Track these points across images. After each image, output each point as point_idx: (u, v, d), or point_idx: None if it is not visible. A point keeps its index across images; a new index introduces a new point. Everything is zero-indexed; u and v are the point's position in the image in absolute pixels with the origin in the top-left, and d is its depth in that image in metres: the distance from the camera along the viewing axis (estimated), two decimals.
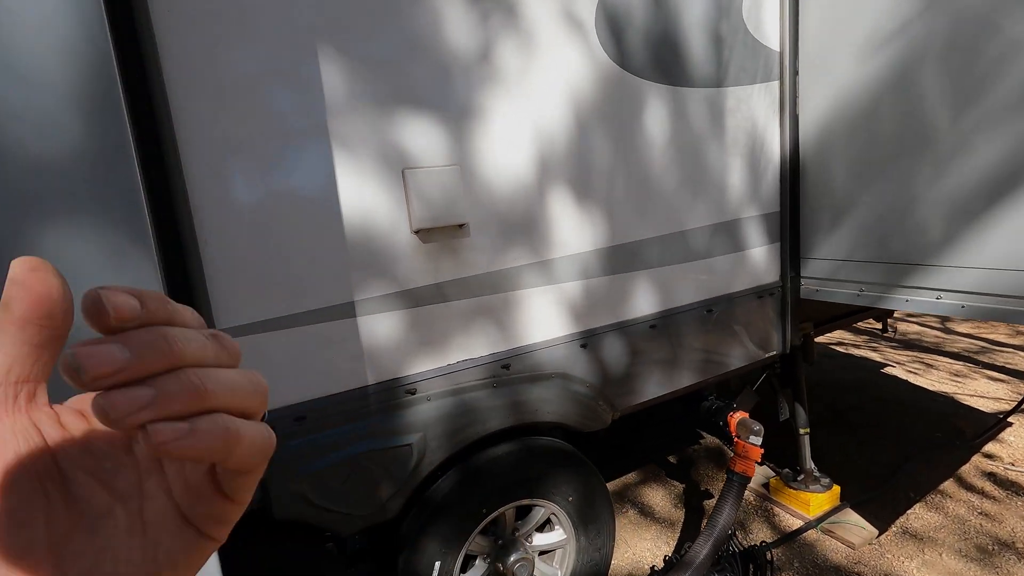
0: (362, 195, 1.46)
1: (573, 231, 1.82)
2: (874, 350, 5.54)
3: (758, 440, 2.29)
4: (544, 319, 1.81)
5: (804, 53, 2.24)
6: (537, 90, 1.69)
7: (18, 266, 0.20)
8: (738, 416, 2.40)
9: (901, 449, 3.29)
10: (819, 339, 6.12)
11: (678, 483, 3.15)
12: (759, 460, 2.29)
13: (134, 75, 1.14)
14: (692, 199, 2.07)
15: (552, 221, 1.77)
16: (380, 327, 1.53)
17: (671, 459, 3.45)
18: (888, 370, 4.85)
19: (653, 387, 2.09)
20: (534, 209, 1.73)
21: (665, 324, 2.06)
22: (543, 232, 1.76)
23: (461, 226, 1.61)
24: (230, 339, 0.24)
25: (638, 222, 1.95)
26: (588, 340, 1.89)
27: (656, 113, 1.93)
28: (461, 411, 1.66)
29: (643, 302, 2.01)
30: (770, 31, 2.20)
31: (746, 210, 2.24)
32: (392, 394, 1.56)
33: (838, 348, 5.67)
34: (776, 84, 2.26)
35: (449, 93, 1.55)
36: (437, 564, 1.71)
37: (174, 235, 1.24)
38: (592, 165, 1.82)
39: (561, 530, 2.01)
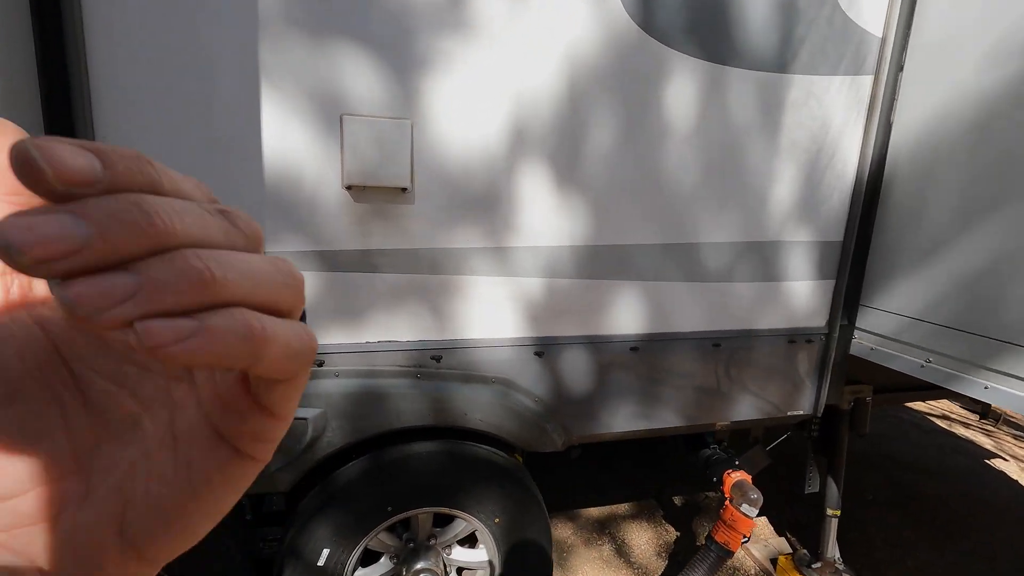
0: (289, 136, 1.31)
1: (544, 219, 1.54)
2: (988, 434, 4.55)
3: (752, 511, 1.88)
4: (492, 315, 1.56)
5: (917, 46, 1.72)
6: (526, 44, 1.42)
7: None
8: (736, 477, 1.99)
9: (975, 568, 2.61)
10: (917, 405, 5.15)
11: (672, 529, 2.77)
12: (747, 535, 1.88)
13: None
14: (717, 207, 1.68)
15: (519, 203, 1.51)
16: None
17: (676, 499, 3.05)
18: (996, 462, 3.94)
19: (624, 420, 1.76)
20: (498, 185, 1.48)
21: (651, 349, 1.72)
22: (505, 214, 1.50)
23: (404, 190, 1.40)
24: (248, 217, 0.18)
25: (635, 223, 1.62)
26: (545, 349, 1.62)
27: (684, 93, 1.57)
28: (372, 397, 1.49)
29: (626, 318, 1.68)
30: (871, 10, 1.70)
31: (793, 232, 1.79)
32: None
33: (939, 421, 4.74)
34: (868, 79, 1.76)
35: (411, 33, 1.33)
36: (325, 552, 1.57)
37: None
38: (584, 144, 1.52)
39: (484, 551, 1.79)
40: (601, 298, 1.65)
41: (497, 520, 1.73)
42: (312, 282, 1.41)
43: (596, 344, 1.67)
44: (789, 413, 1.97)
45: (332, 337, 1.45)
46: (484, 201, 1.48)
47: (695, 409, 1.84)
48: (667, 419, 1.82)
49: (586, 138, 1.52)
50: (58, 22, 1.12)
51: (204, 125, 1.26)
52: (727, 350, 1.80)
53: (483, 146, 1.45)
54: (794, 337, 1.88)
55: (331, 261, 1.41)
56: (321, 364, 1.45)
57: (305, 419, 1.43)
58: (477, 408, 1.58)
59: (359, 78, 1.33)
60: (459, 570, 1.85)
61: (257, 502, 1.83)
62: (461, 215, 1.47)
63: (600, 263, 1.62)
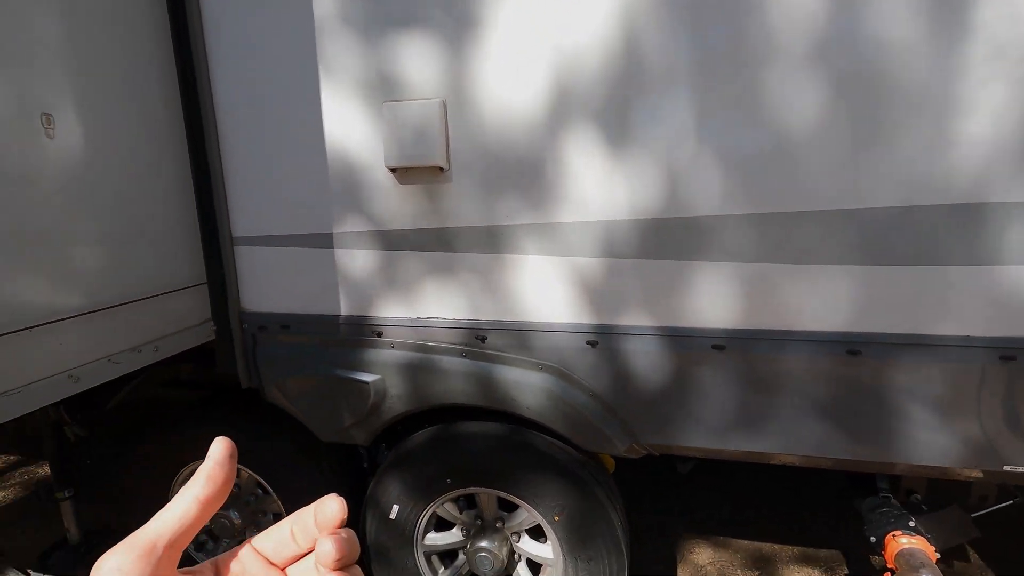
0: (344, 128, 1.46)
1: (596, 190, 1.35)
2: None
3: None
4: (539, 297, 1.45)
5: None
6: None
7: (222, 448, 0.31)
8: (907, 543, 1.41)
9: None
10: None
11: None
12: None
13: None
14: (860, 156, 1.20)
15: (565, 174, 1.36)
16: (356, 263, 1.55)
17: (823, 552, 2.31)
18: None
19: (713, 435, 1.43)
20: (541, 156, 1.36)
21: (744, 349, 1.34)
22: (550, 187, 1.37)
23: (441, 169, 1.42)
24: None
25: (722, 188, 1.28)
26: (600, 339, 1.43)
27: None
28: (424, 370, 1.55)
29: (708, 309, 1.35)
30: None
31: (1006, 188, 1.16)
32: (360, 330, 1.59)
33: None
34: None
35: (434, 9, 1.33)
36: (396, 507, 1.72)
37: (204, 158, 1.55)
38: (643, 93, 1.27)
39: (550, 547, 1.69)
40: (672, 283, 1.36)
41: (557, 517, 1.61)
42: (370, 260, 1.54)
43: (666, 338, 1.39)
44: (1006, 468, 1.29)
45: (389, 311, 1.57)
46: (525, 174, 1.38)
47: (826, 437, 1.37)
48: (783, 443, 1.40)
49: (646, 85, 1.27)
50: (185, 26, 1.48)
51: (280, 119, 1.49)
52: (875, 361, 1.28)
53: (521, 114, 1.35)
54: (1013, 352, 1.22)
55: (385, 240, 1.51)
56: (380, 335, 1.58)
57: (367, 383, 1.59)
58: (524, 394, 1.50)
59: (395, 66, 1.38)
60: (530, 563, 1.80)
61: (372, 454, 2.10)
62: (501, 191, 1.41)
63: (670, 240, 1.34)
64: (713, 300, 1.35)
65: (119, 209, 1.34)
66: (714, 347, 1.36)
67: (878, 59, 1.14)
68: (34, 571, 2.23)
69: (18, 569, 2.24)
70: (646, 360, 1.41)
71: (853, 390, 1.32)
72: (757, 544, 2.37)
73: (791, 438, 1.39)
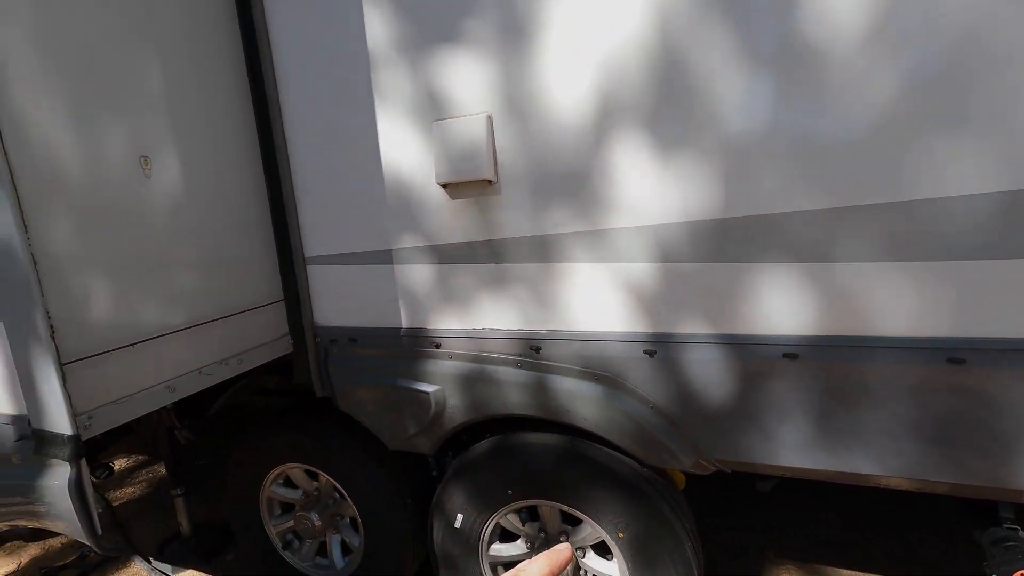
0: (399, 149, 1.53)
1: (648, 194, 1.30)
2: None
3: None
4: (593, 305, 1.42)
5: None
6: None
7: (565, 552, 0.42)
8: None
9: None
10: None
11: None
12: None
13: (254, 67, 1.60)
14: (955, 141, 1.06)
15: (613, 178, 1.32)
16: (414, 277, 1.61)
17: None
18: None
19: (791, 452, 1.31)
20: (587, 162, 1.34)
21: (821, 358, 1.22)
22: (598, 193, 1.34)
23: (489, 183, 1.44)
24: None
25: (789, 181, 1.18)
26: (659, 348, 1.37)
27: None
28: (481, 381, 1.57)
29: (776, 314, 1.25)
30: None
31: None
32: (420, 342, 1.64)
33: None
34: None
35: (476, 26, 1.36)
36: (460, 516, 1.75)
37: (278, 187, 1.69)
38: (695, 91, 1.21)
39: (615, 565, 1.63)
40: (734, 287, 1.27)
41: (621, 534, 1.55)
42: (427, 274, 1.59)
43: (729, 346, 1.30)
44: None
45: (446, 322, 1.60)
46: (573, 182, 1.36)
47: (930, 458, 1.21)
48: (878, 464, 1.25)
49: (695, 83, 1.21)
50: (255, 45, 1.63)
51: (342, 146, 1.59)
52: (985, 370, 1.11)
53: (567, 123, 1.33)
54: None
55: (440, 254, 1.56)
56: (438, 346, 1.62)
57: (428, 393, 1.63)
58: (581, 405, 1.47)
59: (442, 85, 1.43)
60: None
61: (439, 461, 2.15)
62: (549, 200, 1.40)
63: (730, 241, 1.25)
64: (782, 305, 1.24)
65: (207, 236, 1.50)
66: (786, 356, 1.25)
67: (968, 30, 1.00)
68: (154, 559, 2.52)
69: (142, 557, 2.54)
70: (709, 370, 1.32)
71: (959, 404, 1.15)
72: (854, 571, 2.12)
73: (887, 458, 1.24)
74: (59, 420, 1.09)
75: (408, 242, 1.59)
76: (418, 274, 1.60)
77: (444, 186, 1.49)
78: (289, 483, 2.14)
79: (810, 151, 1.15)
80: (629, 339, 1.39)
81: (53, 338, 1.07)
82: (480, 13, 1.35)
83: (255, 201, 1.68)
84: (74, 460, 1.09)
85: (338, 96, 1.56)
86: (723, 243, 1.26)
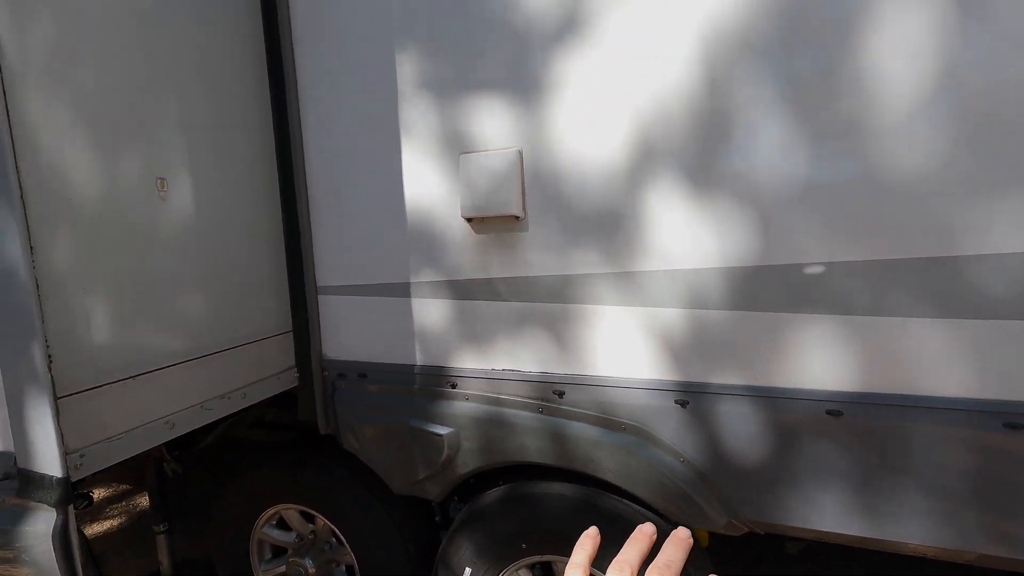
0: (422, 180, 1.49)
1: (683, 236, 1.25)
2: None
3: None
4: (621, 350, 1.35)
5: None
6: (644, 35, 1.22)
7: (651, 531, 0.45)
8: None
9: None
10: None
11: None
12: None
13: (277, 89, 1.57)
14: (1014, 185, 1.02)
15: (647, 219, 1.28)
16: (431, 313, 1.54)
17: None
18: None
19: (833, 517, 1.23)
20: (620, 201, 1.30)
21: (867, 417, 1.15)
22: (631, 234, 1.30)
23: (516, 218, 1.39)
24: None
25: (834, 230, 1.14)
26: (691, 398, 1.29)
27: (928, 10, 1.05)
28: (498, 425, 1.49)
29: (819, 368, 1.19)
30: None
31: None
32: (435, 380, 1.56)
33: None
34: None
35: (514, 61, 1.34)
36: (468, 570, 1.63)
37: (294, 214, 1.64)
38: (737, 132, 1.18)
39: None
40: (775, 338, 1.21)
41: None
42: (445, 310, 1.52)
43: (770, 399, 1.23)
44: None
45: (463, 361, 1.53)
46: (604, 221, 1.32)
47: (979, 528, 1.13)
48: (934, 535, 1.17)
49: (739, 123, 1.18)
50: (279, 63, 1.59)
51: (363, 174, 1.55)
52: None
53: (601, 160, 1.30)
54: None
55: (460, 290, 1.50)
56: (454, 386, 1.54)
57: (441, 436, 1.54)
58: (606, 456, 1.38)
59: (472, 118, 1.40)
60: None
61: (444, 508, 2.04)
62: (579, 239, 1.35)
63: (771, 290, 1.20)
64: (826, 358, 1.18)
65: (218, 262, 1.43)
66: (828, 412, 1.18)
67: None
68: None
69: None
70: (746, 424, 1.25)
71: (1016, 473, 1.08)
72: None
73: (944, 529, 1.15)
74: (48, 460, 1.00)
75: (427, 276, 1.53)
76: (436, 309, 1.53)
77: (469, 220, 1.44)
78: (282, 524, 2.02)
79: (855, 200, 1.11)
80: (660, 387, 1.32)
81: (50, 369, 0.98)
82: (514, 50, 1.33)
83: (268, 226, 1.63)
84: (61, 505, 0.99)
85: (362, 125, 1.53)
86: (762, 291, 1.21)
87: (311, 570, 1.93)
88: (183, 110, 1.33)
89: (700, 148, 1.21)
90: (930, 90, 1.03)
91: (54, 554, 0.97)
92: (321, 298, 1.68)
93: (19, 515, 1.01)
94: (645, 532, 0.45)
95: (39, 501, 1.00)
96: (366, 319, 1.63)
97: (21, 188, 0.96)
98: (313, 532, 1.96)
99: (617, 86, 1.26)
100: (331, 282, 1.66)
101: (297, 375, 1.72)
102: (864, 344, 1.15)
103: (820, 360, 1.18)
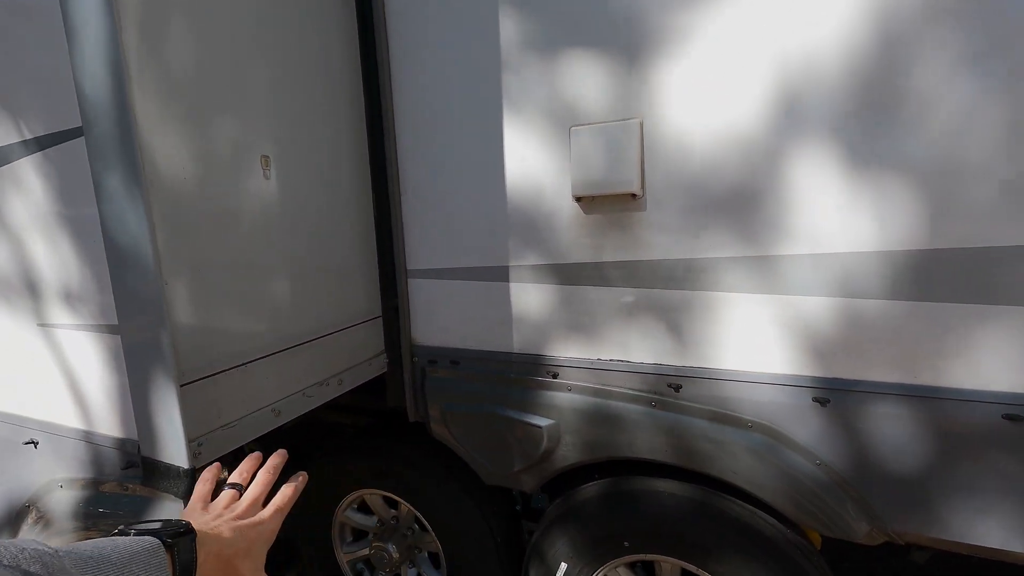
0: (524, 157, 1.38)
1: (833, 216, 1.11)
2: None
3: None
4: (751, 342, 1.23)
5: None
6: None
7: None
8: None
9: None
10: None
11: None
12: None
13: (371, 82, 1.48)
14: None
15: (789, 197, 1.14)
16: (532, 298, 1.45)
17: None
18: None
19: (982, 529, 1.10)
20: (757, 177, 1.16)
21: None
22: (769, 213, 1.16)
23: (634, 196, 1.27)
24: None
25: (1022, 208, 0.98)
26: (834, 396, 1.17)
27: None
28: (604, 418, 1.40)
29: (994, 366, 1.04)
30: None
31: None
32: (533, 369, 1.48)
33: None
34: None
35: (635, 20, 1.20)
36: (564, 566, 1.57)
37: (386, 196, 1.57)
38: (906, 99, 1.03)
39: None
40: (940, 331, 1.07)
41: None
42: (548, 295, 1.43)
43: (931, 400, 1.09)
44: None
45: (566, 350, 1.44)
46: (737, 199, 1.19)
47: None
48: None
49: (906, 85, 1.02)
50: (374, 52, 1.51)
51: (459, 151, 1.46)
52: None
53: (734, 130, 1.16)
54: None
55: (566, 274, 1.40)
56: (556, 376, 1.45)
57: (540, 427, 1.47)
58: (728, 456, 1.28)
59: (586, 87, 1.28)
60: None
61: (526, 497, 1.98)
62: (706, 219, 1.22)
63: (940, 278, 1.05)
64: (1007, 356, 1.03)
65: (319, 244, 1.38)
66: (1006, 417, 1.04)
67: None
68: None
69: None
70: (902, 427, 1.12)
71: None
72: None
73: None
74: (174, 450, 0.97)
75: (528, 259, 1.43)
76: (537, 295, 1.44)
77: (578, 199, 1.33)
78: (364, 508, 2.00)
79: None
80: (796, 383, 1.20)
81: (176, 356, 0.94)
82: (631, 3, 1.19)
83: (361, 207, 1.56)
84: (187, 497, 0.96)
85: (461, 97, 1.43)
86: (929, 278, 1.06)
87: (395, 555, 1.91)
88: (280, 85, 1.26)
89: (862, 112, 1.06)
90: None
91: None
92: (411, 282, 1.61)
93: (147, 504, 0.99)
94: (254, 455, 0.70)
95: (165, 491, 0.98)
96: (459, 304, 1.56)
97: (145, 174, 0.90)
98: (395, 518, 1.94)
99: (758, 41, 1.11)
100: (421, 265, 1.59)
101: (387, 361, 1.67)
102: None
103: (1001, 358, 1.03)
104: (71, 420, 1.24)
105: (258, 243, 1.19)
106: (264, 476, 0.68)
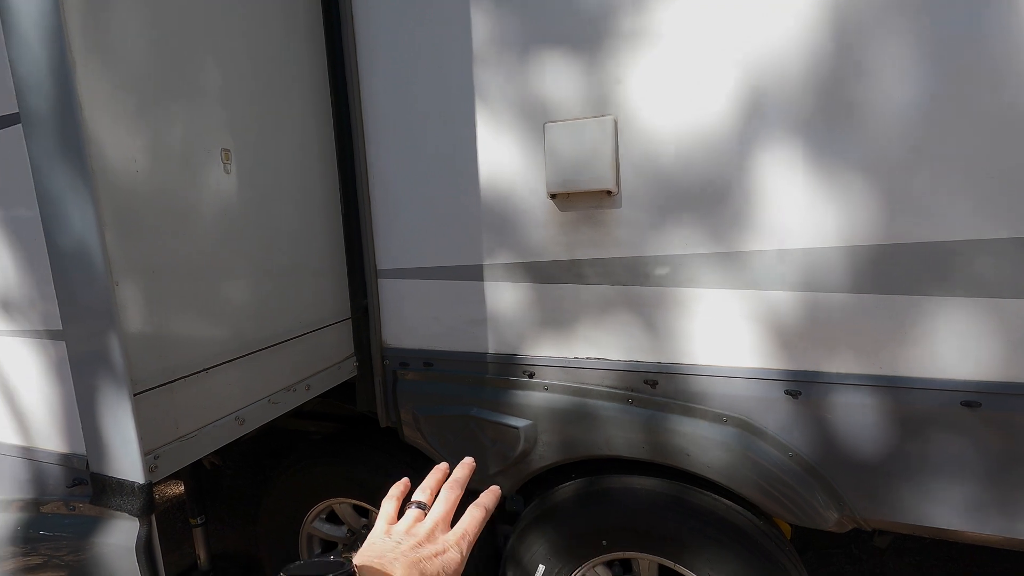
0: (497, 154, 1.36)
1: (799, 212, 1.14)
2: None
3: None
4: (724, 337, 1.25)
5: None
6: None
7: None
8: None
9: None
10: None
11: None
12: None
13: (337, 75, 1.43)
14: None
15: (757, 194, 1.16)
16: (505, 297, 1.43)
17: None
18: None
19: (961, 515, 1.14)
20: (727, 174, 1.18)
21: (1009, 408, 1.06)
22: (738, 210, 1.18)
23: (609, 193, 1.27)
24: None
25: (979, 206, 1.03)
26: (804, 388, 1.20)
27: None
28: (581, 416, 1.39)
29: (954, 355, 1.09)
30: None
31: None
32: (508, 370, 1.46)
33: None
34: None
35: (607, 19, 1.20)
36: (541, 567, 1.55)
37: (354, 193, 1.52)
38: (872, 94, 1.06)
39: None
40: (902, 322, 1.11)
41: None
42: (522, 294, 1.41)
43: (895, 390, 1.13)
44: None
45: (541, 349, 1.43)
46: (708, 196, 1.20)
47: None
48: None
49: (871, 81, 1.06)
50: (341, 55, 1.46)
51: (429, 147, 1.42)
52: None
53: (705, 128, 1.18)
54: None
55: (539, 272, 1.39)
56: (531, 376, 1.44)
57: (517, 428, 1.45)
58: (703, 450, 1.29)
59: (559, 84, 1.27)
60: None
61: (501, 499, 1.95)
62: (679, 215, 1.23)
63: (900, 271, 1.09)
64: (962, 346, 1.08)
65: (283, 243, 1.32)
66: (964, 404, 1.09)
67: None
68: None
69: None
70: (869, 416, 1.16)
71: None
72: None
73: None
74: (128, 464, 0.89)
75: (502, 257, 1.41)
76: (512, 294, 1.42)
77: (553, 196, 1.32)
78: (333, 518, 1.93)
79: (1005, 170, 1.00)
80: (768, 377, 1.23)
81: (128, 363, 0.87)
82: (605, 1, 1.19)
83: (328, 203, 1.50)
84: (144, 515, 0.89)
85: (431, 93, 1.40)
86: (890, 272, 1.10)
87: None
88: (252, 76, 1.19)
89: (825, 111, 1.09)
90: None
91: (139, 569, 0.87)
92: (381, 282, 1.56)
93: (95, 525, 0.91)
94: (440, 467, 0.63)
95: (118, 509, 0.90)
96: (432, 304, 1.52)
97: (92, 167, 0.83)
98: (366, 527, 1.87)
99: (727, 40, 1.13)
100: (392, 265, 1.54)
101: (356, 364, 1.61)
102: (1008, 329, 1.05)
103: (957, 347, 1.08)
104: (7, 435, 1.14)
105: (218, 241, 1.12)
106: (448, 492, 0.58)
